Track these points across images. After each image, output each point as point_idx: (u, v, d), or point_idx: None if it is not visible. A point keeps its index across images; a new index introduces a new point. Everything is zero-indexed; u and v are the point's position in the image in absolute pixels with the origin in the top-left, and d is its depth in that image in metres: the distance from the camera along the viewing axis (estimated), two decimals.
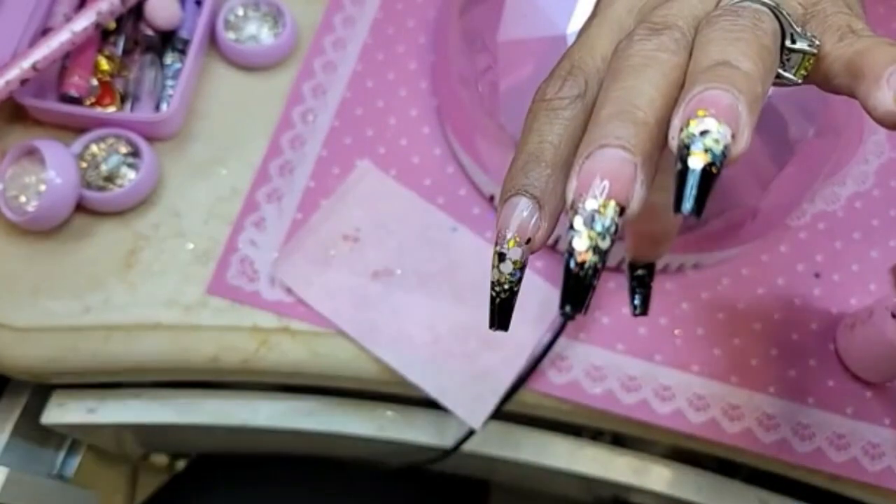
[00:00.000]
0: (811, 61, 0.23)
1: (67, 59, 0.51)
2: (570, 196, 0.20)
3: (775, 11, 0.22)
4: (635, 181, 0.20)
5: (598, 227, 0.19)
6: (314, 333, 0.48)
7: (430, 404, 0.48)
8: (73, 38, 0.49)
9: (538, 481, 0.61)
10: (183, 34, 0.53)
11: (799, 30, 0.23)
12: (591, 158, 0.20)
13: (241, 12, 0.54)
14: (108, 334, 0.47)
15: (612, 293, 0.49)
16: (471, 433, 0.49)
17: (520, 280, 0.22)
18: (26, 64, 0.48)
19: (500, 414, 0.47)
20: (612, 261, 0.49)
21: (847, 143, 0.50)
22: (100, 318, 0.47)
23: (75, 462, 0.59)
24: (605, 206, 0.19)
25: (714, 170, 0.19)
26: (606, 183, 0.19)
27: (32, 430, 0.53)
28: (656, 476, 0.52)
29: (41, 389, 0.53)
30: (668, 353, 0.48)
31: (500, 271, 0.22)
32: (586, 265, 0.20)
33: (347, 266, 0.48)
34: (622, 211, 0.20)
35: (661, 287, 0.49)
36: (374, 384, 0.49)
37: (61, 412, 0.53)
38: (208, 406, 0.54)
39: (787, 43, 0.22)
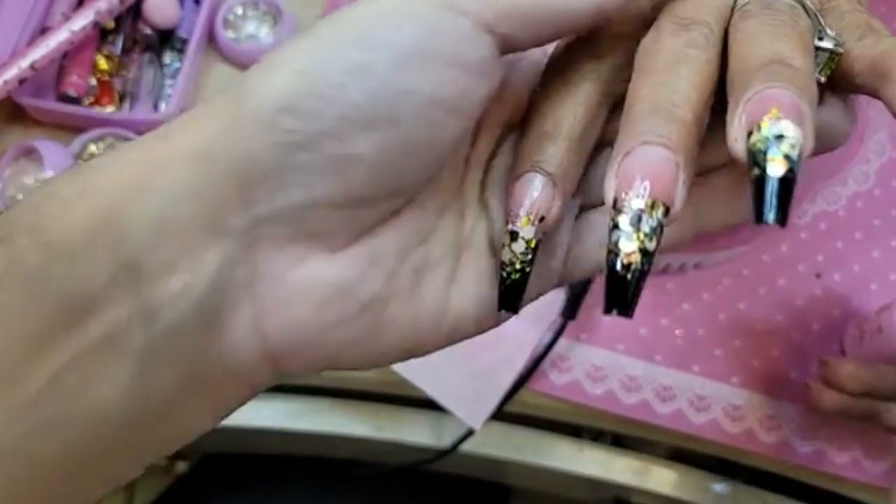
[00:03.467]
0: (835, 61, 0.22)
1: (66, 59, 0.51)
2: (609, 194, 0.19)
3: (805, 7, 0.21)
4: (677, 181, 0.19)
5: (646, 228, 0.19)
6: None
7: (429, 405, 0.48)
8: (72, 37, 0.49)
9: (542, 483, 0.61)
10: (181, 33, 0.53)
11: (827, 28, 0.22)
12: (632, 156, 0.19)
13: (239, 11, 0.54)
14: None
15: None
16: (469, 434, 0.49)
17: (532, 261, 0.21)
18: (24, 63, 0.48)
19: (501, 414, 0.47)
20: None
21: (848, 143, 0.50)
22: None
23: None
24: (652, 206, 0.18)
25: (792, 175, 0.17)
26: (647, 183, 0.19)
27: None
28: (657, 477, 0.52)
29: None
30: (669, 353, 0.48)
31: (511, 251, 0.21)
32: (633, 267, 0.19)
33: None
34: (667, 211, 0.19)
35: (662, 287, 0.49)
36: (373, 385, 0.49)
37: None
38: None
39: (815, 41, 0.21)
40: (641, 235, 0.19)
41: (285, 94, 0.19)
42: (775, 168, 0.17)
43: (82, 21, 0.49)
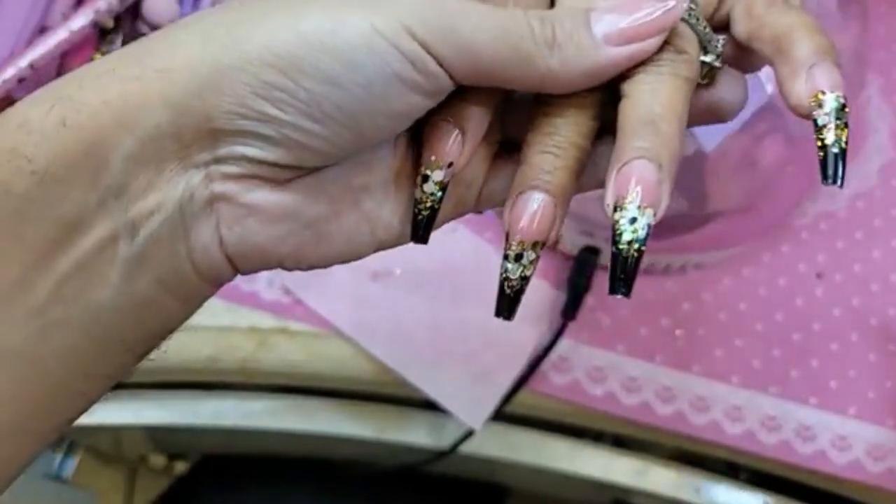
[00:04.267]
0: (715, 71, 0.25)
1: (65, 58, 0.51)
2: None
3: (692, 26, 0.24)
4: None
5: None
6: (313, 334, 0.47)
7: (429, 406, 0.48)
8: (71, 36, 0.49)
9: (543, 484, 0.61)
10: None
11: (710, 42, 0.24)
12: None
13: None
14: None
15: None
16: (469, 434, 0.48)
17: (440, 200, 0.24)
18: (23, 63, 0.48)
19: (500, 415, 0.47)
20: None
21: (849, 143, 0.50)
22: None
23: (73, 463, 0.59)
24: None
25: (638, 254, 0.22)
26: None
27: None
28: (658, 478, 0.52)
29: None
30: (670, 353, 0.48)
31: (423, 191, 0.24)
32: (633, 249, 0.22)
33: (346, 266, 0.48)
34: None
35: (662, 287, 0.49)
36: (372, 385, 0.49)
37: None
38: (206, 407, 0.54)
39: (700, 56, 0.24)
40: (522, 267, 0.23)
41: (259, 82, 0.21)
42: (624, 249, 0.22)
43: (81, 20, 0.49)
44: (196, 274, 0.23)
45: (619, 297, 0.22)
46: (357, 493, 0.63)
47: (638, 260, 0.22)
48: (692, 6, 0.24)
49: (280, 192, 0.23)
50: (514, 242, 0.23)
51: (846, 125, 0.23)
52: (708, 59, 0.24)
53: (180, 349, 0.47)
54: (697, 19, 0.24)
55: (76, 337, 0.21)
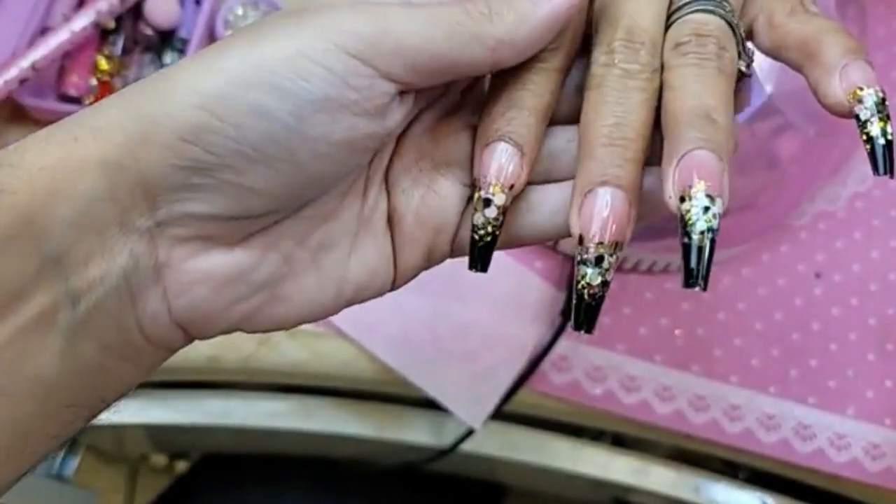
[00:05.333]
0: (742, 79, 0.24)
1: (66, 59, 0.51)
2: (574, 231, 0.22)
3: (734, 29, 0.23)
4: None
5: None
6: (314, 333, 0.48)
7: (429, 405, 0.48)
8: (72, 37, 0.49)
9: (542, 483, 0.61)
10: (182, 34, 0.53)
11: (743, 51, 0.24)
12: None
13: (240, 11, 0.54)
14: None
15: (612, 293, 0.49)
16: (469, 433, 0.49)
17: (501, 225, 0.23)
18: (25, 63, 0.48)
19: (500, 414, 0.47)
20: None
21: (847, 143, 0.50)
22: None
23: (74, 462, 0.59)
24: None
25: (712, 241, 0.21)
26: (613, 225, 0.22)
27: None
28: (657, 477, 0.52)
29: None
30: (669, 353, 0.48)
31: (484, 216, 0.23)
32: (596, 295, 0.22)
33: None
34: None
35: (662, 287, 0.49)
36: (373, 384, 0.49)
37: None
38: (208, 406, 0.54)
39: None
40: (603, 271, 0.22)
41: (186, 125, 0.20)
42: (699, 238, 0.21)
43: (83, 21, 0.49)
44: (146, 341, 0.22)
45: (697, 289, 0.21)
46: (357, 491, 0.63)
47: (712, 250, 0.21)
48: (732, 9, 0.23)
49: (229, 254, 0.22)
50: (591, 245, 0.22)
51: (888, 117, 0.23)
52: (741, 65, 0.24)
53: (182, 349, 0.47)
54: (738, 22, 0.24)
55: (19, 404, 0.20)
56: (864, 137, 0.23)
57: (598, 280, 0.22)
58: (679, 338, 0.48)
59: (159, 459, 0.72)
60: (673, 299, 0.49)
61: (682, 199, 0.21)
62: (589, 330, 0.22)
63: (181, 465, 0.73)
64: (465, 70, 0.22)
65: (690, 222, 0.21)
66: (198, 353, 0.47)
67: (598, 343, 0.48)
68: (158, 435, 0.60)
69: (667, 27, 0.23)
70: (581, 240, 0.22)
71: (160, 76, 0.21)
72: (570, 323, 0.23)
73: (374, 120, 0.22)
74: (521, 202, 0.24)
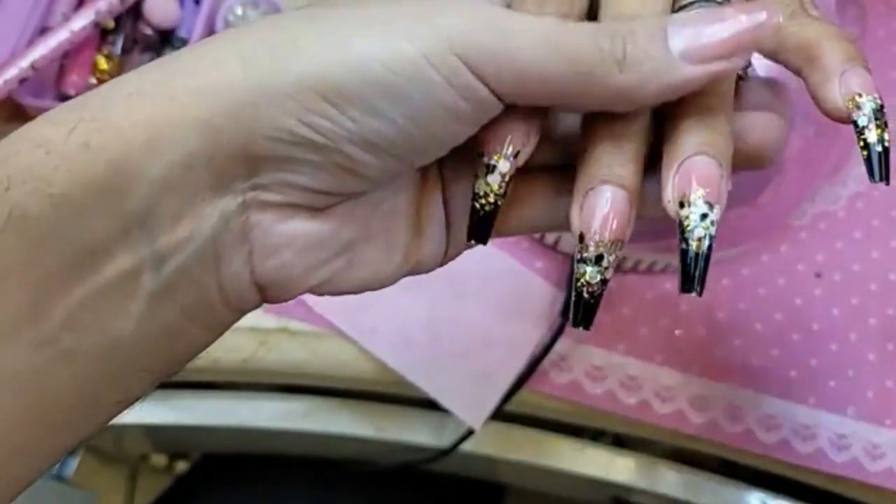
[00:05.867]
0: (739, 85, 0.24)
1: (66, 59, 0.51)
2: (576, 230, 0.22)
3: None
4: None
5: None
6: (313, 334, 0.47)
7: (429, 405, 0.48)
8: (72, 37, 0.49)
9: (542, 483, 0.61)
10: (182, 33, 0.53)
11: None
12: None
13: (239, 11, 0.54)
14: None
15: (612, 293, 0.49)
16: (469, 433, 0.49)
17: (504, 195, 0.23)
18: (24, 63, 0.48)
19: (500, 414, 0.47)
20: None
21: (847, 144, 0.50)
22: None
23: (74, 462, 0.59)
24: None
25: (710, 249, 0.22)
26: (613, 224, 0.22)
27: None
28: (657, 477, 0.52)
29: None
30: (669, 353, 0.48)
31: (487, 183, 0.23)
32: (595, 292, 0.23)
33: None
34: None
35: (661, 287, 0.49)
36: (373, 385, 0.49)
37: None
38: (208, 406, 0.54)
39: None
40: (602, 269, 0.22)
41: (306, 107, 0.20)
42: (696, 245, 0.21)
43: (82, 21, 0.49)
44: (223, 304, 0.22)
45: (693, 294, 0.22)
46: (357, 491, 0.63)
47: (709, 256, 0.21)
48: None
49: (315, 220, 0.22)
50: (590, 244, 0.22)
51: (885, 124, 0.23)
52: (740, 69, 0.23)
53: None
54: None
55: (91, 366, 0.20)
56: (862, 144, 0.23)
57: (598, 278, 0.22)
58: (679, 338, 0.48)
59: (159, 459, 0.72)
60: (673, 299, 0.49)
61: (682, 205, 0.21)
62: (587, 327, 0.23)
63: (181, 466, 0.73)
64: (575, 105, 0.22)
65: (688, 228, 0.21)
66: None
67: (599, 343, 0.48)
68: (158, 435, 0.60)
69: None
70: (581, 237, 0.22)
71: (278, 43, 0.20)
72: (570, 320, 0.23)
73: (475, 126, 0.22)
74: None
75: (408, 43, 0.20)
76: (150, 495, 0.64)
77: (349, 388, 0.51)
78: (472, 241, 0.24)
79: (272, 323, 0.48)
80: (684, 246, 0.21)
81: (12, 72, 0.48)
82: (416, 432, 0.53)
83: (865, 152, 0.23)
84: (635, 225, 0.23)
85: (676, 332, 0.48)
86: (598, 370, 0.47)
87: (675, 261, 0.48)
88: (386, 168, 0.22)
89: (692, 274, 0.21)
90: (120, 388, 0.21)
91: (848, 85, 0.23)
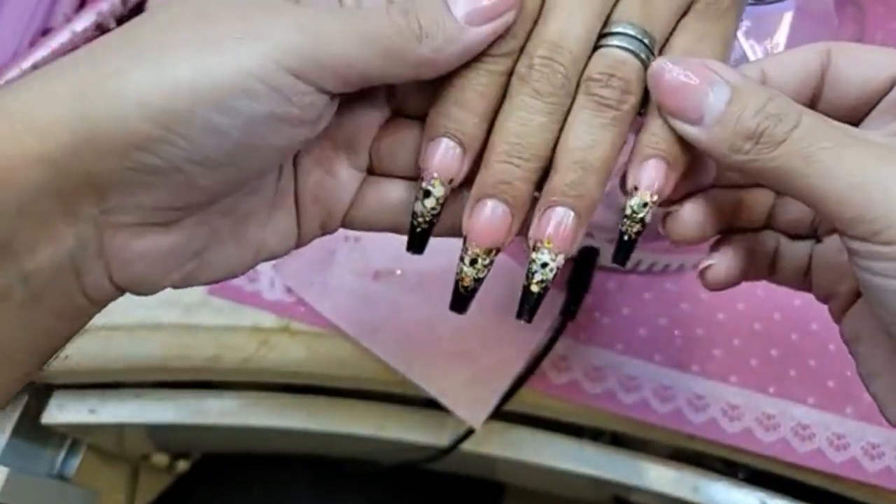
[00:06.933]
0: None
1: (54, 69, 0.51)
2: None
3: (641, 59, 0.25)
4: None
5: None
6: (314, 333, 0.48)
7: (429, 404, 0.48)
8: (74, 38, 0.49)
9: (542, 482, 0.61)
10: None
11: None
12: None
13: None
14: (110, 335, 0.47)
15: (612, 293, 0.49)
16: (469, 433, 0.49)
17: (439, 214, 0.26)
18: (26, 64, 0.48)
19: (500, 413, 0.48)
20: (611, 261, 0.49)
21: None
22: (101, 319, 0.47)
23: (76, 462, 0.59)
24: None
25: (542, 292, 0.26)
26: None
27: (33, 430, 0.53)
28: (656, 476, 0.52)
29: (41, 389, 0.53)
30: (668, 353, 0.48)
31: (423, 205, 0.25)
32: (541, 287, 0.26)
33: (348, 266, 0.48)
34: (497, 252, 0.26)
35: (661, 287, 0.49)
36: (374, 384, 0.49)
37: (61, 412, 0.53)
38: (208, 405, 0.54)
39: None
40: (475, 271, 0.26)
41: (138, 135, 0.21)
42: (535, 287, 0.25)
43: (84, 22, 0.49)
44: (88, 301, 0.24)
45: (524, 322, 0.26)
46: (357, 490, 0.63)
47: (542, 296, 0.25)
48: (653, 46, 0.25)
49: (167, 234, 0.24)
50: (469, 248, 0.25)
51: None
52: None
53: (183, 348, 0.47)
54: (648, 56, 0.25)
55: None
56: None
57: (471, 276, 0.26)
58: (678, 338, 0.48)
59: (160, 459, 0.72)
60: (673, 299, 0.49)
61: (534, 248, 0.25)
62: (461, 312, 0.27)
63: (182, 465, 0.73)
64: (390, 81, 0.24)
65: (531, 272, 0.25)
66: (199, 352, 0.47)
67: (598, 343, 0.48)
68: (159, 435, 0.60)
69: (595, 46, 0.25)
70: (465, 240, 0.25)
71: (104, 74, 0.21)
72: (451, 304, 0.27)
73: (311, 127, 0.24)
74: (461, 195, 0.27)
75: (229, 60, 0.21)
76: (151, 494, 0.64)
77: (349, 387, 0.51)
78: (411, 252, 0.27)
79: (273, 322, 0.48)
80: (525, 283, 0.25)
81: (14, 73, 0.48)
82: (416, 432, 0.53)
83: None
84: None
85: (675, 331, 0.48)
86: (598, 370, 0.47)
87: (676, 261, 0.49)
88: (228, 179, 0.23)
89: (526, 307, 0.26)
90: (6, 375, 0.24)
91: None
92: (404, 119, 0.27)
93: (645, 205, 0.25)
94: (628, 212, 0.25)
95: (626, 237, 0.26)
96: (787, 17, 0.41)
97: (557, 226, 0.24)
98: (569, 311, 0.46)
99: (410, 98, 0.27)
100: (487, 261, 0.25)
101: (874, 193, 0.21)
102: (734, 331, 0.49)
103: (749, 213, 0.29)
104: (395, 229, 0.28)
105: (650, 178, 0.25)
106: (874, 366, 0.27)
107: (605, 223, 0.44)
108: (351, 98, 0.26)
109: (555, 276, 0.25)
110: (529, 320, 0.26)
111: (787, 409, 0.47)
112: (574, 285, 0.47)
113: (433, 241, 0.27)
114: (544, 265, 0.25)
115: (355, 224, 0.28)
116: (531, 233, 0.25)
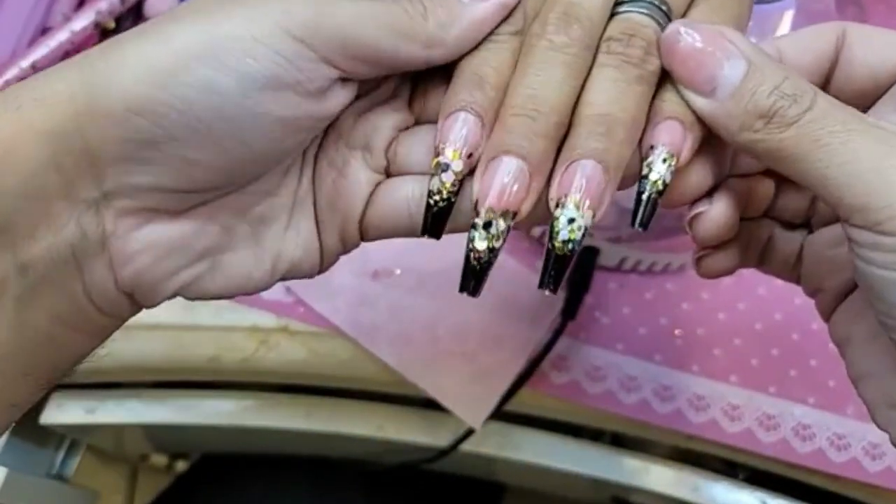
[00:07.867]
0: None
1: (67, 59, 0.51)
2: (475, 197, 0.23)
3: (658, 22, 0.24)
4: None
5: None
6: (313, 333, 0.48)
7: (429, 404, 0.48)
8: (73, 37, 0.49)
9: (542, 482, 0.61)
10: None
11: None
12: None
13: None
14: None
15: (612, 293, 0.49)
16: (468, 433, 0.49)
17: (458, 192, 0.23)
18: (25, 63, 0.48)
19: (500, 414, 0.47)
20: (611, 261, 0.49)
21: None
22: None
23: (74, 462, 0.59)
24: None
25: (571, 252, 0.23)
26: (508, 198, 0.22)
27: (31, 430, 0.53)
28: (656, 476, 0.52)
29: None
30: (669, 353, 0.48)
31: (441, 181, 0.23)
32: (483, 260, 0.23)
33: (347, 266, 0.48)
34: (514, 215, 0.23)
35: (662, 287, 0.49)
36: (373, 384, 0.49)
37: (60, 412, 0.53)
38: (207, 406, 0.54)
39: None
40: (490, 237, 0.22)
41: (135, 97, 0.21)
42: (559, 248, 0.22)
43: (83, 21, 0.49)
44: (96, 310, 0.23)
45: (548, 293, 0.22)
46: (357, 490, 0.63)
47: (570, 260, 0.22)
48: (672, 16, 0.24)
49: (174, 224, 0.23)
50: (482, 210, 0.22)
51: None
52: None
53: (182, 348, 0.47)
54: (665, 19, 0.24)
55: None
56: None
57: (484, 245, 0.22)
58: (679, 338, 0.48)
59: (159, 460, 0.72)
60: (673, 299, 0.49)
61: (557, 205, 0.22)
62: (473, 293, 0.23)
63: (181, 465, 0.73)
64: (400, 63, 0.23)
65: (555, 230, 0.22)
66: (198, 352, 0.47)
67: (598, 343, 0.48)
68: (158, 435, 0.60)
69: (611, 16, 0.24)
70: (476, 204, 0.23)
71: (110, 47, 0.21)
72: (463, 286, 0.24)
73: (315, 101, 0.22)
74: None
75: (236, 22, 0.21)
76: (150, 495, 0.64)
77: (349, 387, 0.51)
78: (426, 237, 0.24)
79: (272, 322, 0.48)
80: (549, 246, 0.22)
81: (13, 72, 0.48)
82: (415, 432, 0.53)
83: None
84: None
85: (676, 331, 0.48)
86: (598, 370, 0.47)
87: (676, 260, 0.49)
88: (228, 155, 0.22)
89: (549, 275, 0.22)
90: (11, 393, 0.22)
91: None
92: (425, 123, 0.26)
93: (664, 161, 0.23)
94: (645, 171, 0.23)
95: (644, 198, 0.23)
96: (788, 17, 0.41)
97: (583, 178, 0.22)
98: (569, 311, 0.46)
99: (433, 103, 0.26)
100: (503, 226, 0.22)
101: (881, 182, 0.21)
102: (735, 330, 0.49)
103: (753, 202, 0.28)
104: (411, 231, 0.26)
105: (668, 137, 0.23)
106: (865, 367, 0.26)
107: (604, 222, 0.44)
108: (373, 100, 0.25)
109: (583, 236, 0.22)
110: (555, 290, 0.22)
111: (787, 409, 0.47)
112: (574, 285, 0.47)
113: (432, 241, 0.26)
114: (571, 220, 0.22)
115: (370, 230, 0.26)
116: (552, 193, 0.22)
